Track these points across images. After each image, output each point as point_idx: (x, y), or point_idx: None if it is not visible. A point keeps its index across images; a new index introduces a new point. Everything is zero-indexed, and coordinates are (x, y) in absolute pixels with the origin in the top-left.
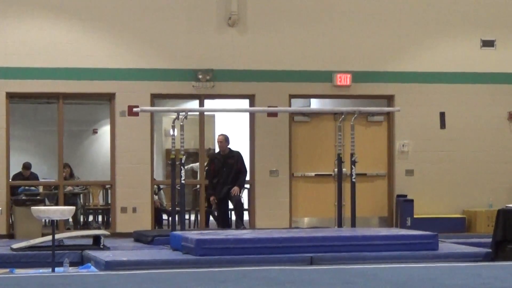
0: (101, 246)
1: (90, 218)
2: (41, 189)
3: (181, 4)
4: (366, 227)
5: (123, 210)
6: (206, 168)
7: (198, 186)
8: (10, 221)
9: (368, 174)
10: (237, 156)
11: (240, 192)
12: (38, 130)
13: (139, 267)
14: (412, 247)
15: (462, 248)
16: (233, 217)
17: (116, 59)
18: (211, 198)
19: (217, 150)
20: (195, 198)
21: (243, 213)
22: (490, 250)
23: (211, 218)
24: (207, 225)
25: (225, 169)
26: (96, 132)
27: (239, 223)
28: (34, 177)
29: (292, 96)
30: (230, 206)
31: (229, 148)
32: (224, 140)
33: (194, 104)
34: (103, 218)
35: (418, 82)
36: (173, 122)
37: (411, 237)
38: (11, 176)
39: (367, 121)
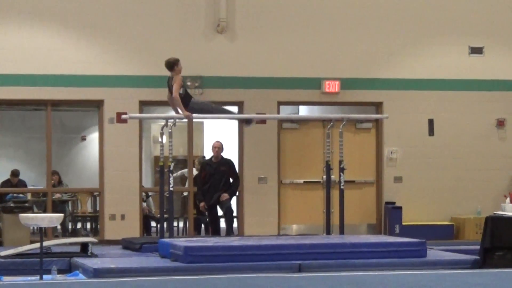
0: (89, 254)
1: (79, 225)
2: (29, 196)
3: (169, 11)
4: (354, 234)
5: (112, 217)
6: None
7: (186, 193)
8: None
9: (357, 181)
10: (230, 164)
11: (230, 199)
12: (26, 137)
13: (128, 275)
14: (401, 254)
15: (450, 255)
16: (222, 224)
17: (105, 66)
18: (201, 205)
19: (207, 156)
20: (183, 205)
21: (233, 220)
22: (478, 257)
23: (202, 225)
24: (198, 232)
25: (217, 176)
26: (85, 139)
27: (229, 230)
28: (23, 184)
29: (281, 103)
30: (220, 212)
31: (221, 156)
32: (221, 147)
33: None
34: (91, 225)
35: (407, 89)
36: (162, 129)
37: (399, 244)
38: None
39: (355, 128)
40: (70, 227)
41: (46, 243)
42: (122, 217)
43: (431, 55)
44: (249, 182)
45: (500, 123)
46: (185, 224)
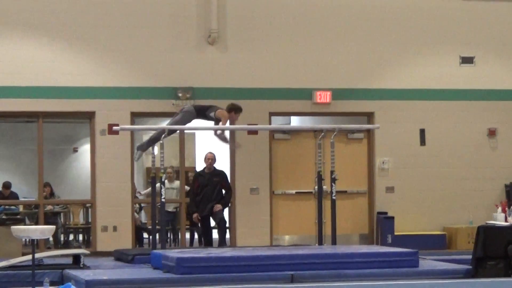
0: (81, 265)
1: (71, 237)
2: (21, 208)
3: (160, 22)
4: (347, 245)
5: (104, 228)
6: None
7: (177, 205)
8: None
9: (349, 192)
10: (223, 174)
11: (223, 210)
12: (18, 149)
13: (120, 286)
14: (393, 264)
15: (442, 265)
16: (215, 235)
17: (96, 78)
18: (195, 216)
19: (198, 168)
20: (175, 217)
21: (226, 231)
22: (470, 267)
23: (195, 236)
24: (191, 243)
25: (210, 186)
26: (77, 151)
27: (222, 241)
28: (14, 196)
29: (272, 114)
30: (212, 223)
31: (214, 167)
32: (214, 158)
33: None
34: (83, 237)
35: (398, 99)
36: None
37: (391, 254)
38: None
39: (347, 138)
40: (62, 239)
41: (38, 255)
42: (114, 228)
43: (422, 65)
44: (241, 193)
45: (491, 133)
46: (177, 235)
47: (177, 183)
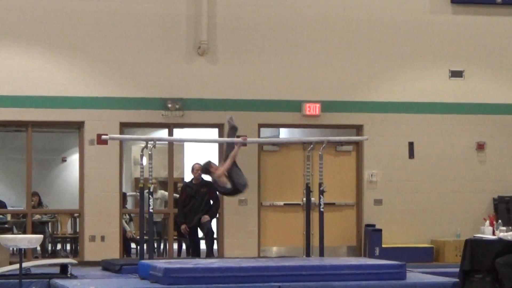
0: (69, 275)
1: (58, 246)
2: (9, 217)
3: (150, 33)
4: (334, 257)
5: (92, 238)
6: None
7: (162, 215)
8: None
9: (337, 204)
10: (210, 185)
11: (211, 221)
12: (6, 158)
13: None
14: (380, 277)
15: (430, 278)
16: (202, 246)
17: (85, 88)
18: (183, 227)
19: (186, 178)
20: (164, 227)
21: (213, 242)
22: (457, 280)
23: (183, 246)
24: (178, 253)
25: (197, 197)
26: (65, 161)
27: (209, 252)
28: (2, 205)
29: (261, 126)
30: (200, 234)
31: (202, 178)
32: (201, 169)
33: (163, 133)
34: (71, 246)
35: (387, 112)
36: (142, 151)
37: (379, 267)
38: None
39: (336, 151)
40: (49, 248)
41: (25, 264)
42: (102, 238)
43: (412, 78)
44: (230, 204)
45: (480, 146)
46: (165, 245)
47: (160, 193)
